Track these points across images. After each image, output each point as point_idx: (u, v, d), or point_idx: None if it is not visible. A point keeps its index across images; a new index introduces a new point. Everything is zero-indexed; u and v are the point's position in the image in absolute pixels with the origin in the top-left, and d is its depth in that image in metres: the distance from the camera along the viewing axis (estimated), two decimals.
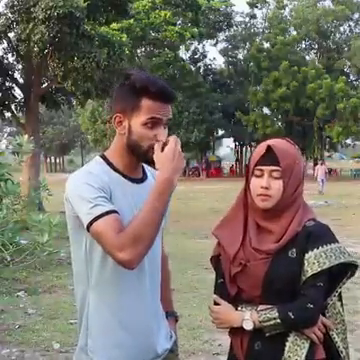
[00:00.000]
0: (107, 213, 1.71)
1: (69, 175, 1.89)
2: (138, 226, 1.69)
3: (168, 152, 1.74)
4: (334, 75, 44.01)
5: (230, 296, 2.02)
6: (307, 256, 1.90)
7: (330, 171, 44.18)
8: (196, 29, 38.32)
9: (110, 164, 1.88)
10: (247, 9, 66.49)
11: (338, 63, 47.67)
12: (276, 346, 1.92)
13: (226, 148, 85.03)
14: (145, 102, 1.79)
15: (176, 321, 2.18)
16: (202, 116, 45.77)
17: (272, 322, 1.89)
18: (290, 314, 1.88)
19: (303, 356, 1.90)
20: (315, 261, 1.89)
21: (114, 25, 22.21)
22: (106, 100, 27.71)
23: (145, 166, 1.98)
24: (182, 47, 45.76)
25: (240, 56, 53.93)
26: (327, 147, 55.27)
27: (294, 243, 1.92)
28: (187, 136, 44.08)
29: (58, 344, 4.82)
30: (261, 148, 1.97)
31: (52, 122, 68.07)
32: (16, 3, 14.88)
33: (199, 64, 51.84)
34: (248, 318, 1.94)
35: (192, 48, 50.88)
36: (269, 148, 1.94)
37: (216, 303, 2.05)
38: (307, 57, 51.43)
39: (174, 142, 1.76)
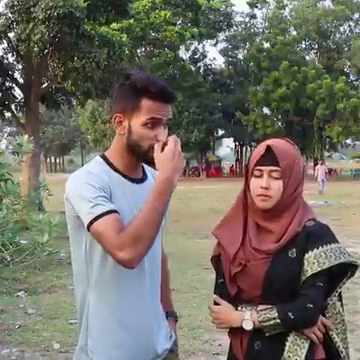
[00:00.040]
0: (107, 213, 1.71)
1: (69, 175, 1.89)
2: (138, 226, 1.69)
3: (168, 152, 1.74)
4: (334, 75, 44.01)
5: (230, 296, 2.02)
6: (307, 256, 1.90)
7: (330, 171, 44.19)
8: (196, 29, 38.32)
9: (110, 164, 1.88)
10: (247, 9, 66.60)
11: (338, 63, 47.67)
12: (276, 346, 1.92)
13: (226, 148, 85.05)
14: (145, 102, 1.79)
15: (176, 321, 2.18)
16: (202, 116, 45.78)
17: (272, 322, 1.90)
18: (290, 314, 1.88)
19: (303, 356, 1.90)
20: (315, 261, 1.89)
21: (114, 25, 22.21)
22: (106, 100, 27.72)
23: (145, 166, 1.98)
24: (182, 47, 45.77)
25: (240, 56, 53.95)
26: (327, 147, 55.28)
27: (294, 243, 1.92)
28: (187, 136, 44.09)
29: (58, 344, 4.82)
30: (260, 148, 1.97)
31: (52, 122, 68.08)
32: (16, 3, 14.88)
33: (199, 64, 51.85)
34: (248, 318, 1.94)
35: (192, 48, 50.92)
36: (268, 148, 1.94)
37: (216, 303, 2.06)
38: (307, 57, 51.45)
39: (174, 142, 1.76)
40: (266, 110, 48.96)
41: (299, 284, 1.91)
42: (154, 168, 1.81)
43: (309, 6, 49.26)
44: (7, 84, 17.56)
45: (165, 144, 1.77)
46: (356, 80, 50.70)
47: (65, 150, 77.23)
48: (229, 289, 2.02)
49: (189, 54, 50.86)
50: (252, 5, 52.51)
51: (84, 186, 1.76)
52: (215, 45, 54.05)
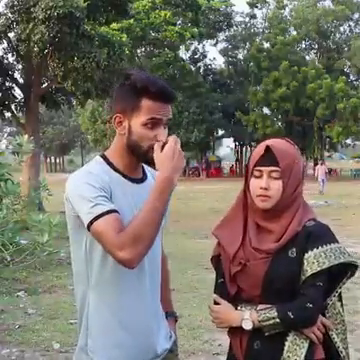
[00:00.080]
0: (108, 212, 1.71)
1: (69, 175, 1.89)
2: (138, 225, 1.69)
3: (168, 151, 1.74)
4: (334, 75, 44.01)
5: (230, 295, 2.02)
6: (307, 256, 1.90)
7: (330, 171, 44.19)
8: (196, 29, 38.32)
9: (110, 164, 1.88)
10: (247, 9, 66.59)
11: (338, 63, 47.67)
12: (275, 346, 1.92)
13: (226, 148, 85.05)
14: (145, 102, 1.79)
15: (176, 321, 2.18)
16: (202, 116, 45.78)
17: (271, 321, 1.90)
18: (289, 313, 1.88)
19: (302, 356, 1.90)
20: (315, 261, 1.89)
21: (114, 25, 22.22)
22: (106, 100, 27.72)
23: (145, 166, 1.98)
24: (182, 47, 45.77)
25: (240, 56, 53.95)
26: (327, 147, 55.28)
27: (294, 243, 1.92)
28: (187, 136, 44.08)
29: (58, 344, 4.82)
30: (260, 148, 1.97)
31: (52, 122, 68.08)
32: (16, 3, 14.88)
33: (199, 64, 51.85)
34: (247, 317, 1.94)
35: (192, 48, 50.91)
36: (268, 148, 1.94)
37: (216, 302, 2.06)
38: (307, 57, 51.45)
39: (174, 141, 1.76)
40: (266, 110, 48.97)
41: (299, 284, 1.91)
42: (154, 168, 1.81)
43: (309, 6, 49.26)
44: (7, 84, 17.57)
45: (165, 144, 1.77)
46: (356, 80, 50.71)
47: (65, 150, 77.22)
48: (229, 289, 2.02)
49: (189, 54, 50.90)
50: (252, 5, 52.51)
51: (84, 186, 1.76)
52: (215, 45, 54.10)
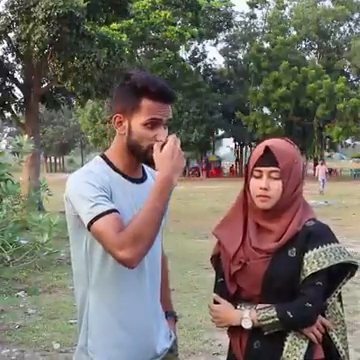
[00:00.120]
0: (108, 212, 1.71)
1: (69, 175, 1.89)
2: (138, 225, 1.69)
3: (167, 150, 1.74)
4: (334, 75, 44.01)
5: (230, 295, 2.02)
6: (307, 255, 1.90)
7: (330, 171, 44.19)
8: (196, 29, 38.31)
9: (110, 164, 1.88)
10: (247, 9, 66.56)
11: (338, 63, 47.67)
12: (275, 345, 1.92)
13: (226, 148, 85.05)
14: (145, 102, 1.80)
15: (175, 321, 2.18)
16: (202, 116, 45.78)
17: (270, 321, 1.90)
18: (288, 313, 1.88)
19: (302, 356, 1.90)
20: (314, 260, 1.89)
21: (114, 25, 22.21)
22: (106, 100, 27.73)
23: (145, 167, 1.98)
24: (182, 47, 45.76)
25: (240, 56, 53.95)
26: (327, 147, 55.28)
27: (294, 242, 1.92)
28: (187, 136, 44.09)
29: (58, 344, 4.82)
30: (260, 149, 1.97)
31: (52, 122, 68.07)
32: (16, 3, 14.88)
33: (199, 64, 51.84)
34: (247, 317, 1.94)
35: (192, 48, 50.91)
36: (267, 149, 1.94)
37: (216, 302, 2.06)
38: (307, 57, 51.44)
39: (173, 141, 1.76)
40: (266, 110, 48.97)
41: (298, 283, 1.91)
42: (154, 168, 1.81)
43: (309, 6, 49.26)
44: (7, 84, 17.57)
45: (165, 144, 1.77)
46: (356, 80, 50.70)
47: (65, 150, 77.22)
48: (229, 288, 2.02)
49: (189, 54, 50.90)
50: (252, 5, 52.50)
51: (84, 185, 1.76)
52: (215, 45, 54.10)
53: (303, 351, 1.91)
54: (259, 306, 1.94)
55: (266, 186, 1.93)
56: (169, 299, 2.18)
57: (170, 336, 2.05)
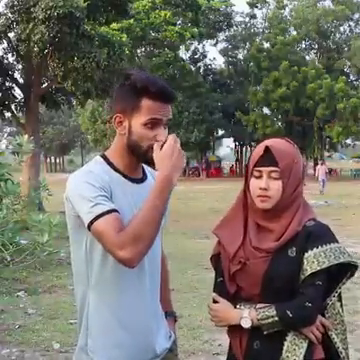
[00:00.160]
0: (108, 212, 1.71)
1: (69, 175, 1.89)
2: (138, 225, 1.69)
3: (167, 150, 1.74)
4: (334, 75, 44.01)
5: (229, 294, 2.02)
6: (307, 255, 1.90)
7: (330, 171, 44.19)
8: (196, 29, 38.30)
9: (110, 164, 1.88)
10: (247, 9, 66.57)
11: (338, 63, 47.67)
12: (275, 345, 1.92)
13: (226, 148, 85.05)
14: (145, 102, 1.80)
15: (175, 321, 2.18)
16: (202, 116, 45.78)
17: (270, 320, 1.90)
18: (288, 312, 1.88)
19: (301, 356, 1.90)
20: (314, 260, 1.89)
21: (114, 25, 22.21)
22: (106, 100, 27.72)
23: (145, 167, 1.98)
24: (182, 47, 45.75)
25: (240, 56, 53.95)
26: (327, 147, 55.27)
27: (294, 242, 1.92)
28: (187, 136, 44.08)
29: (58, 344, 4.82)
30: (259, 149, 1.97)
31: (52, 122, 68.06)
32: (16, 3, 14.88)
33: (199, 64, 51.84)
34: (246, 316, 1.94)
35: (192, 48, 50.91)
36: (267, 149, 1.94)
37: (215, 301, 2.06)
38: (307, 57, 51.43)
39: (173, 140, 1.76)
40: (266, 110, 48.97)
41: (298, 283, 1.91)
42: (154, 168, 1.81)
43: (309, 6, 49.26)
44: (7, 84, 17.56)
45: (165, 143, 1.77)
46: (356, 80, 50.70)
47: (65, 150, 77.21)
48: (228, 287, 2.02)
49: (189, 54, 50.89)
50: (252, 5, 52.50)
51: (84, 185, 1.76)
52: (215, 45, 54.09)
53: (303, 351, 1.91)
54: (259, 305, 1.94)
55: (266, 186, 1.93)
56: (169, 299, 2.18)
57: (170, 336, 2.05)
